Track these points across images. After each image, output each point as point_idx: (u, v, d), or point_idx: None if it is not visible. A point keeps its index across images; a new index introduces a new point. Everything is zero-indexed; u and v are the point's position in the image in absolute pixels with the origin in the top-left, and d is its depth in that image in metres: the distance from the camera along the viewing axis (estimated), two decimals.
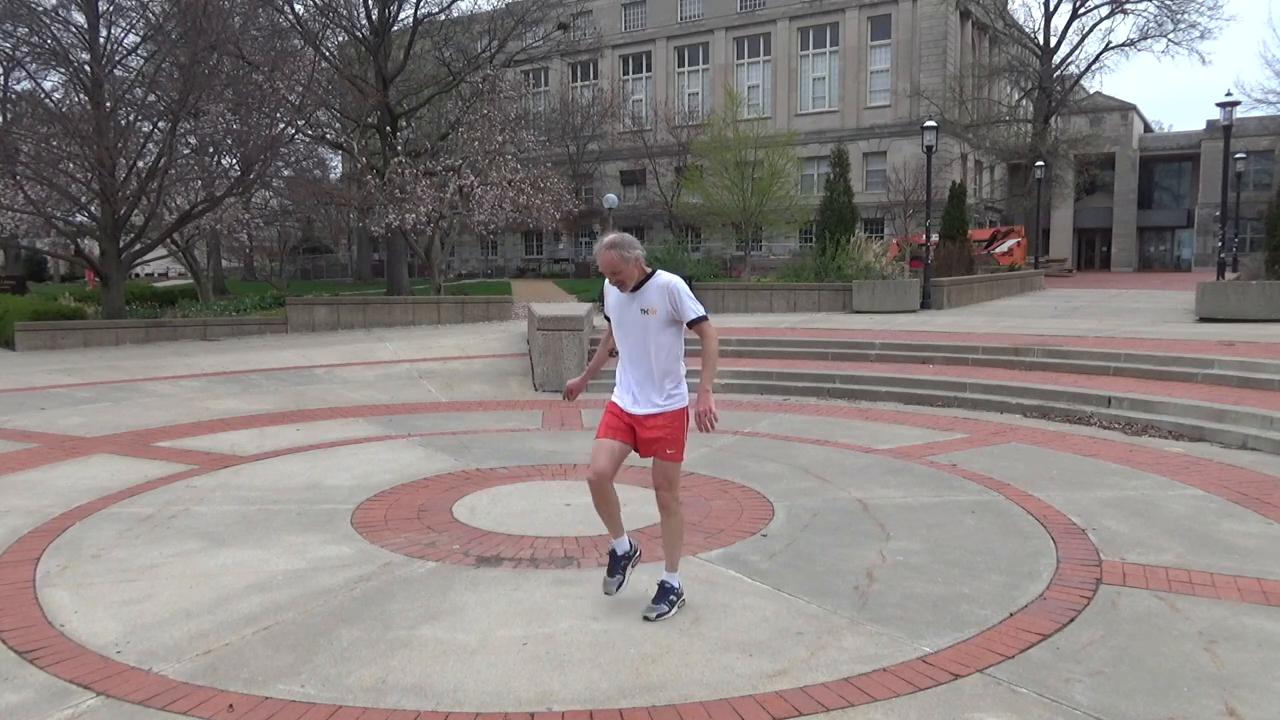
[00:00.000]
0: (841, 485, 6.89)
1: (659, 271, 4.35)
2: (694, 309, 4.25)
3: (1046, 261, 45.27)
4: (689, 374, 4.43)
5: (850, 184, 27.16)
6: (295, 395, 11.79)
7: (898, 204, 36.94)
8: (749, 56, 48.82)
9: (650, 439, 4.31)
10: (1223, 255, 26.53)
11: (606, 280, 4.39)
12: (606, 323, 4.57)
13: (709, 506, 6.30)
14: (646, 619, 4.28)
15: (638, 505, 6.09)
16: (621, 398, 4.40)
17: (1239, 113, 25.73)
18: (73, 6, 20.69)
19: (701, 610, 4.43)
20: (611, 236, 4.26)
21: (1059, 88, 45.13)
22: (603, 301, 4.53)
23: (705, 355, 4.31)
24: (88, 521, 6.03)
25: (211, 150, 21.96)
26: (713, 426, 4.12)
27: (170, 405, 10.92)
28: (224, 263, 40.07)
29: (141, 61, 21.08)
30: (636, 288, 4.28)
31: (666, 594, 4.39)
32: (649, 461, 4.43)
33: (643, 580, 4.83)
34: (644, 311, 4.25)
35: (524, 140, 28.25)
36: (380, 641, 4.09)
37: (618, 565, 4.46)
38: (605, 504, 4.39)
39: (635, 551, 4.54)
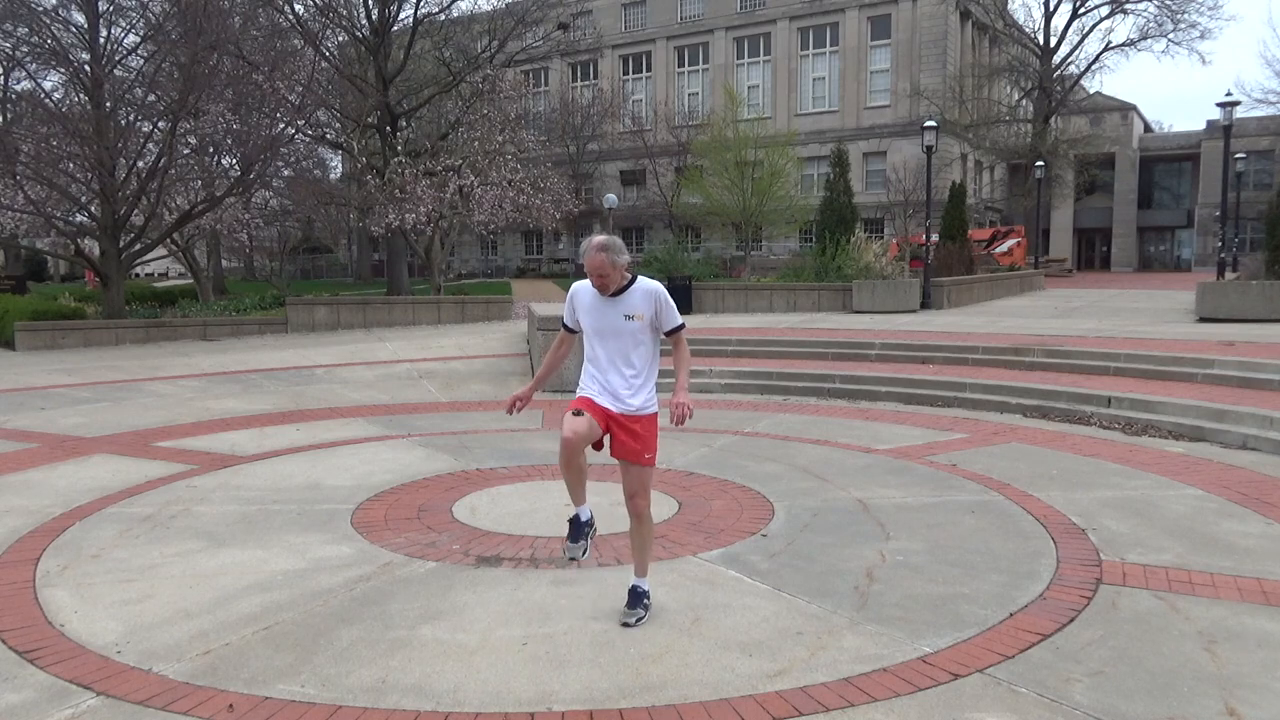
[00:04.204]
0: (841, 485, 6.89)
1: (640, 277, 4.31)
2: (676, 318, 4.32)
3: (1046, 261, 45.28)
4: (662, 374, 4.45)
5: (850, 184, 27.18)
6: (295, 395, 11.79)
7: (898, 204, 36.97)
8: (749, 56, 48.83)
9: (627, 441, 4.21)
10: (1223, 255, 26.55)
11: (578, 286, 4.35)
12: (563, 330, 4.48)
13: (709, 506, 6.30)
14: (626, 625, 4.24)
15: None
16: (593, 392, 4.27)
17: (1239, 113, 25.74)
18: (73, 6, 20.72)
19: (701, 610, 4.42)
20: (600, 239, 4.18)
21: (1059, 88, 45.16)
22: (568, 307, 4.42)
23: (682, 359, 4.38)
24: (88, 521, 6.03)
25: (211, 150, 21.98)
26: (684, 421, 4.11)
27: (170, 405, 10.92)
28: (224, 263, 40.08)
29: (141, 61, 21.08)
30: (618, 292, 4.22)
31: (640, 599, 4.34)
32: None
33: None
34: (628, 317, 4.20)
35: (524, 140, 28.24)
36: (380, 641, 4.09)
37: (581, 532, 4.33)
38: (575, 468, 4.21)
39: (593, 521, 4.44)
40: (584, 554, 4.39)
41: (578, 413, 4.12)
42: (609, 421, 4.21)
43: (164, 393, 11.82)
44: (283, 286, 29.03)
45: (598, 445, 4.25)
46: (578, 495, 4.35)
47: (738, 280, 26.53)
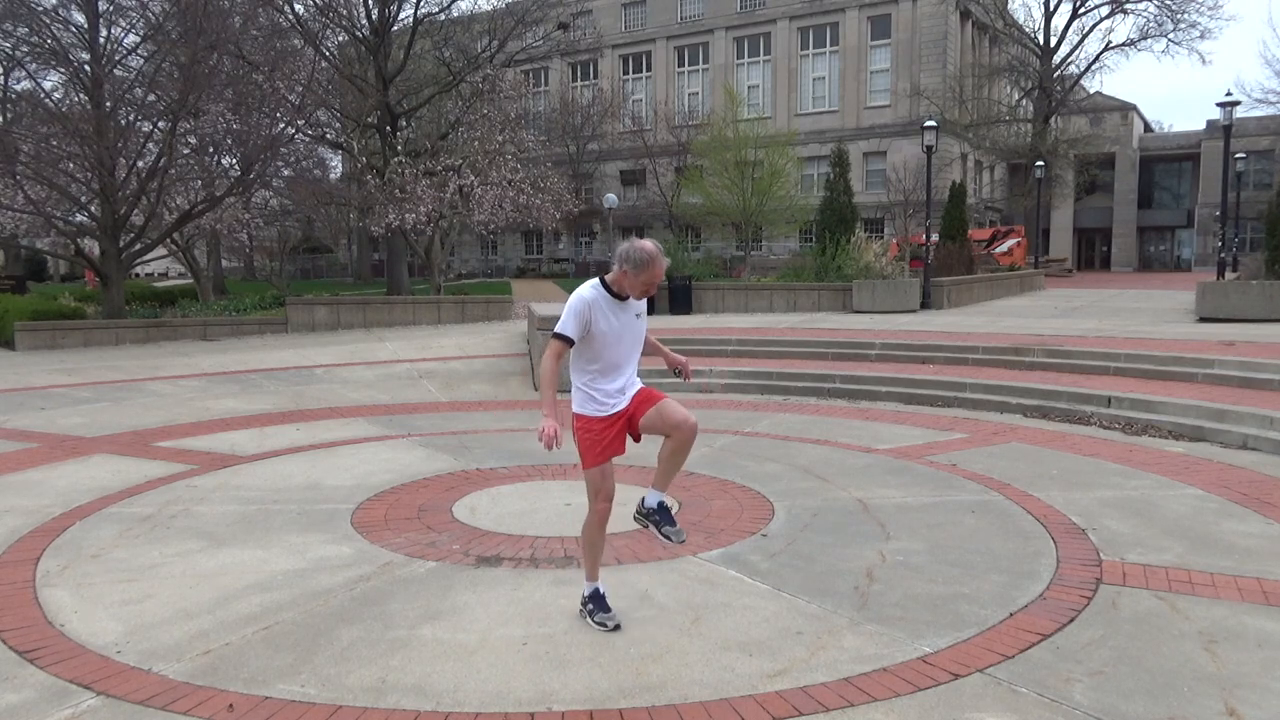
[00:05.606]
0: (841, 485, 6.88)
1: None
2: None
3: (1046, 261, 45.28)
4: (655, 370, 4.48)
5: (850, 184, 27.14)
6: (295, 395, 11.79)
7: (898, 204, 36.95)
8: (749, 56, 48.84)
9: (646, 399, 4.18)
10: (1223, 255, 26.50)
11: (591, 297, 4.03)
12: (560, 343, 4.04)
13: (709, 506, 6.30)
14: (682, 541, 4.33)
15: None
16: (616, 403, 4.15)
17: (1239, 113, 25.70)
18: (73, 6, 20.69)
19: (701, 610, 4.42)
20: (652, 244, 4.04)
21: (1059, 87, 45.15)
22: (581, 320, 4.05)
23: (653, 341, 4.50)
24: (88, 521, 6.03)
25: (211, 150, 21.97)
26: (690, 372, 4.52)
27: (170, 405, 10.92)
28: (224, 263, 40.07)
29: (141, 61, 21.08)
30: (629, 295, 4.17)
31: (670, 511, 4.36)
32: (639, 463, 4.34)
33: (642, 580, 4.83)
34: (638, 316, 4.21)
35: (524, 140, 28.25)
36: (380, 641, 4.09)
37: (668, 516, 4.30)
38: (604, 535, 4.29)
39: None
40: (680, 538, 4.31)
41: (605, 468, 4.15)
42: (628, 422, 4.19)
43: (164, 393, 11.82)
44: (283, 286, 29.03)
45: (636, 437, 4.24)
46: (596, 567, 4.33)
47: (738, 280, 26.51)
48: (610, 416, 4.15)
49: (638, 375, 4.33)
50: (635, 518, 4.40)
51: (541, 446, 3.87)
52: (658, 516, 4.29)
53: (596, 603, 4.27)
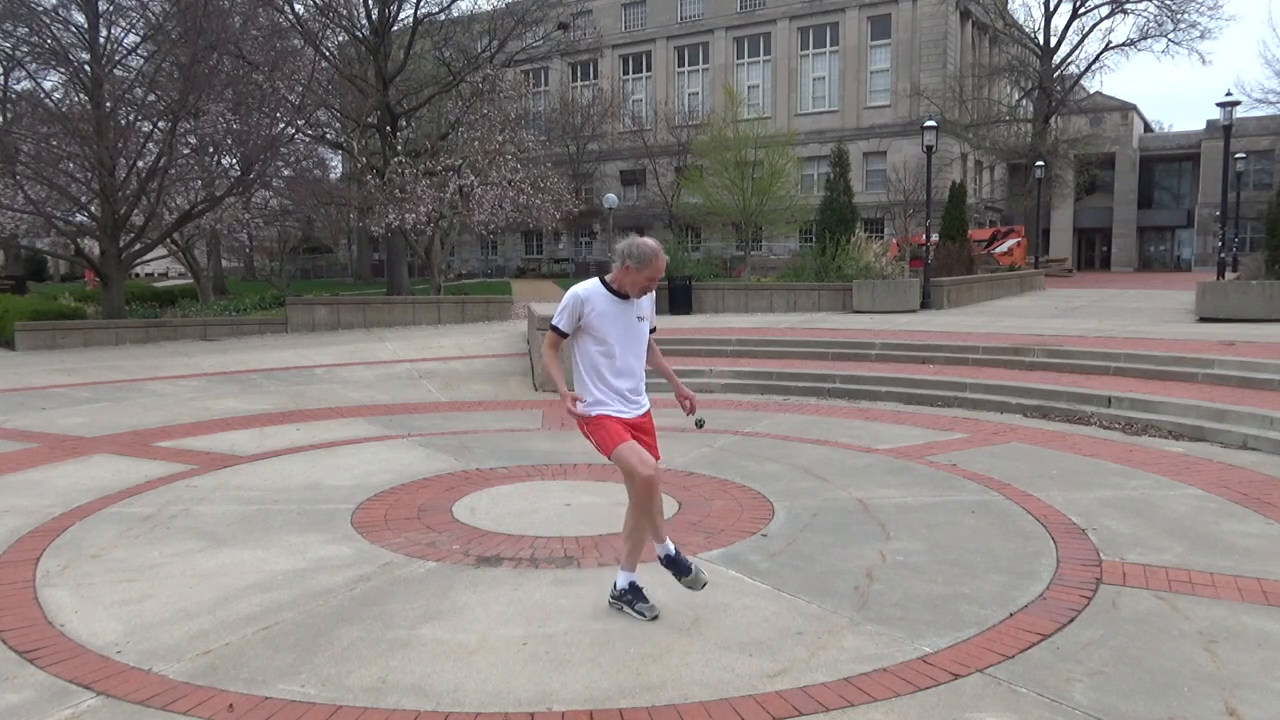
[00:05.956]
0: (842, 485, 6.88)
1: None
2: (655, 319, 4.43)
3: (1046, 261, 45.28)
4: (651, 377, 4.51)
5: (850, 184, 27.15)
6: (295, 395, 11.79)
7: (898, 204, 36.97)
8: (749, 56, 48.85)
9: (649, 444, 4.27)
10: (1223, 255, 26.49)
11: (588, 292, 4.12)
12: (553, 334, 4.20)
13: (709, 506, 6.30)
14: (656, 618, 4.31)
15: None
16: (627, 405, 4.20)
17: (1239, 113, 25.69)
18: (73, 6, 20.69)
19: (701, 610, 4.42)
20: (653, 241, 4.09)
21: (1059, 87, 45.15)
22: (573, 313, 4.14)
23: (661, 356, 4.56)
24: (88, 521, 6.03)
25: (211, 150, 21.98)
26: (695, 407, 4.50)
27: (170, 405, 10.92)
28: (224, 263, 40.08)
29: (141, 61, 21.09)
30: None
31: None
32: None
33: (642, 580, 4.83)
34: (640, 319, 4.21)
35: (524, 140, 28.25)
36: (380, 641, 4.09)
37: (685, 563, 4.35)
38: (650, 514, 4.21)
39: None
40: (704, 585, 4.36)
41: (631, 444, 4.11)
42: (630, 433, 4.21)
43: (164, 393, 11.82)
44: (283, 286, 29.03)
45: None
46: (660, 531, 4.32)
47: (738, 280, 26.51)
48: (623, 419, 4.19)
49: (644, 390, 4.33)
50: (610, 602, 4.45)
51: (570, 411, 4.13)
52: (630, 596, 4.38)
53: (635, 594, 4.36)
